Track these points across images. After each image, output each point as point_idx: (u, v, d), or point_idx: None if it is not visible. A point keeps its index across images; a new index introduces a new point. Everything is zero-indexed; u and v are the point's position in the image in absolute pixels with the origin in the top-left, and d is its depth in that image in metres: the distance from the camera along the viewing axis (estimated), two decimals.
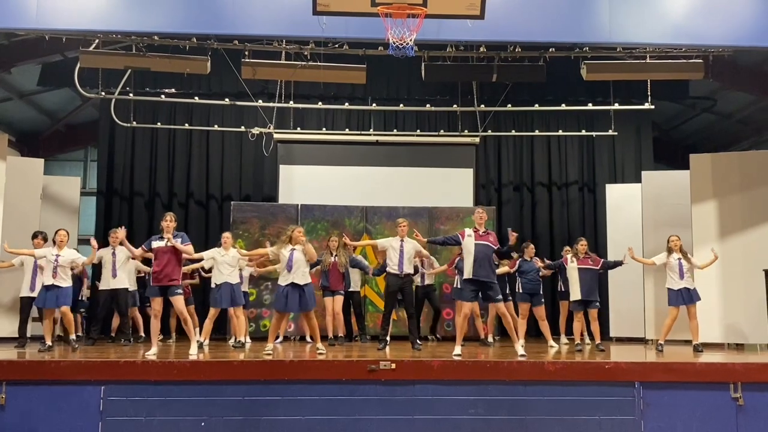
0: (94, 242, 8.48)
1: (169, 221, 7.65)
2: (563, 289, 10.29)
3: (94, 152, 13.95)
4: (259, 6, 8.14)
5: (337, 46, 10.19)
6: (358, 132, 12.83)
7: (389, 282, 8.70)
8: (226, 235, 9.00)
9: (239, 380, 6.57)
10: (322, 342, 8.13)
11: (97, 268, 10.03)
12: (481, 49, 10.36)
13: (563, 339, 10.44)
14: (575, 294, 9.01)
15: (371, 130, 12.90)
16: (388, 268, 8.71)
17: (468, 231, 7.90)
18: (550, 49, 10.31)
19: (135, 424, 6.37)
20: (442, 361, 6.91)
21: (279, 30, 8.54)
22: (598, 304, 9.12)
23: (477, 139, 12.53)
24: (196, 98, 12.26)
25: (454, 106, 12.32)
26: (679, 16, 8.34)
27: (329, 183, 12.50)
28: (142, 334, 10.31)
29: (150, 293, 7.65)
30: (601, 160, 13.39)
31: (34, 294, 8.83)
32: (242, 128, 12.24)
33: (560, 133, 12.91)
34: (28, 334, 9.09)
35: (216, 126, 12.58)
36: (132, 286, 10.00)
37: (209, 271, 9.15)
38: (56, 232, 8.52)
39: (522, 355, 7.37)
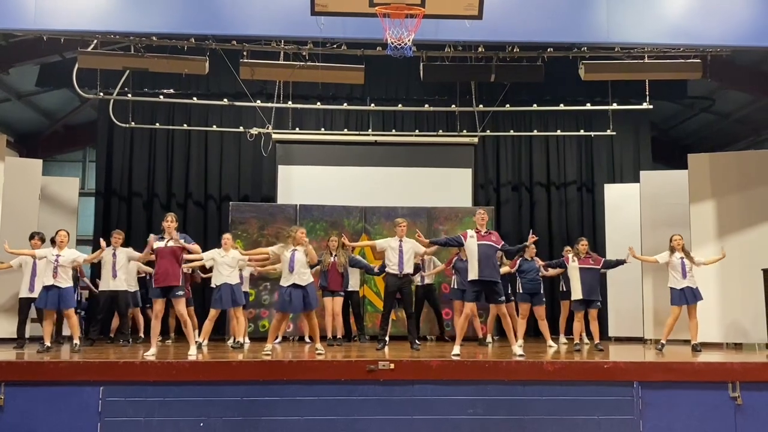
0: (104, 243, 8.56)
1: (170, 222, 7.63)
2: (565, 289, 10.30)
3: (93, 153, 13.94)
4: (257, 6, 8.13)
5: (335, 46, 10.20)
6: (357, 132, 12.83)
7: (388, 282, 8.70)
8: (227, 237, 9.01)
9: (238, 381, 6.57)
10: (321, 342, 8.13)
11: (96, 269, 10.02)
12: (480, 50, 10.37)
13: (562, 339, 10.45)
14: (576, 293, 9.02)
15: (370, 130, 12.90)
16: (387, 269, 8.71)
17: (470, 232, 7.91)
18: (549, 49, 10.32)
19: (134, 424, 6.36)
20: (440, 361, 6.92)
21: (277, 30, 8.53)
22: (599, 303, 9.13)
23: (475, 139, 12.55)
24: (195, 99, 12.26)
25: (453, 106, 12.32)
26: (677, 16, 8.34)
27: (328, 183, 12.50)
28: (142, 335, 10.31)
29: (152, 295, 7.64)
30: (600, 160, 13.40)
31: (34, 295, 8.83)
32: (241, 129, 12.24)
33: (559, 133, 12.93)
34: (27, 335, 9.08)
35: (214, 126, 12.58)
36: (133, 286, 10.00)
37: (209, 270, 9.16)
38: (57, 233, 8.52)
39: (520, 355, 7.37)
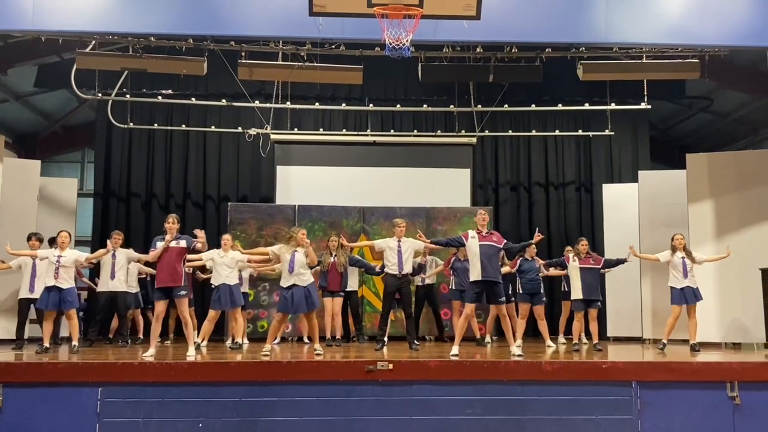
0: (110, 246, 8.64)
1: (171, 223, 7.61)
2: (567, 289, 10.30)
3: (91, 154, 13.95)
4: (256, 7, 8.13)
5: (333, 46, 10.22)
6: (355, 132, 12.83)
7: (387, 282, 8.70)
8: (226, 237, 9.01)
9: (237, 381, 6.57)
10: (319, 343, 8.13)
11: (96, 270, 10.03)
12: (478, 50, 10.39)
13: (561, 339, 10.45)
14: (576, 293, 9.02)
15: (368, 130, 12.91)
16: (386, 269, 8.71)
17: (471, 233, 7.91)
18: (547, 50, 10.34)
19: (132, 425, 6.36)
20: (439, 361, 6.92)
21: (275, 31, 8.53)
22: (599, 303, 9.14)
23: (474, 140, 12.55)
24: (193, 99, 12.27)
25: (451, 106, 12.33)
26: (675, 16, 8.34)
27: (326, 184, 12.48)
28: (141, 336, 10.31)
29: (155, 297, 7.63)
30: (598, 160, 13.40)
31: (33, 295, 8.84)
32: (239, 129, 12.24)
33: (557, 133, 12.93)
34: (26, 336, 9.08)
35: (213, 127, 12.57)
36: (134, 287, 10.01)
37: (210, 271, 9.17)
38: (58, 234, 8.52)
39: (519, 356, 7.37)
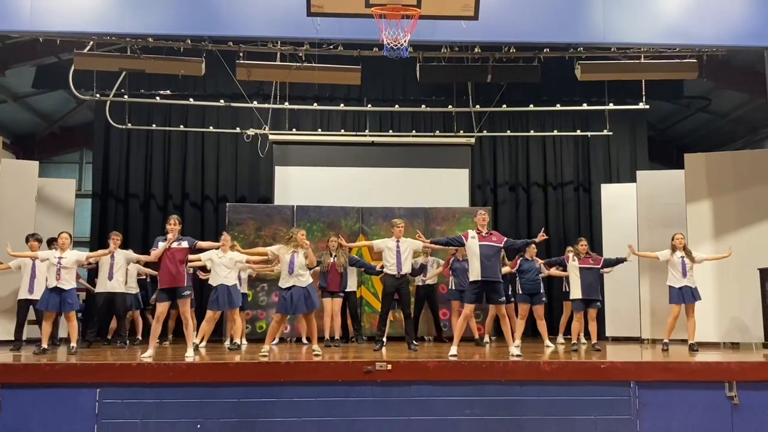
0: (112, 246, 8.69)
1: (173, 224, 7.61)
2: (568, 290, 10.29)
3: (90, 154, 13.94)
4: (254, 7, 8.12)
5: (331, 47, 10.22)
6: (354, 133, 12.83)
7: (386, 283, 8.70)
8: (225, 237, 9.00)
9: (235, 382, 6.56)
10: (318, 343, 8.13)
11: (94, 271, 10.02)
12: (476, 50, 10.40)
13: (560, 339, 10.46)
14: (576, 293, 9.02)
15: (367, 131, 12.91)
16: (385, 269, 8.70)
17: (471, 233, 7.90)
18: (545, 50, 10.35)
19: (130, 426, 6.35)
20: (438, 361, 6.92)
21: (273, 31, 8.53)
22: (598, 303, 9.14)
23: (472, 140, 12.56)
24: (191, 100, 12.27)
25: (450, 106, 12.34)
26: (673, 16, 8.35)
27: (325, 184, 12.47)
28: (140, 337, 10.30)
29: (158, 299, 7.63)
30: (596, 160, 13.41)
31: (33, 296, 8.83)
32: (237, 129, 12.24)
33: (555, 133, 12.94)
34: (24, 337, 9.06)
35: (211, 127, 12.57)
36: (133, 288, 10.00)
37: (210, 271, 9.17)
38: (59, 235, 8.50)
39: (518, 356, 7.36)
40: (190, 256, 8.14)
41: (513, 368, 6.80)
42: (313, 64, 10.33)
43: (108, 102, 11.69)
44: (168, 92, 12.32)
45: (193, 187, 13.01)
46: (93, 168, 13.24)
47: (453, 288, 10.01)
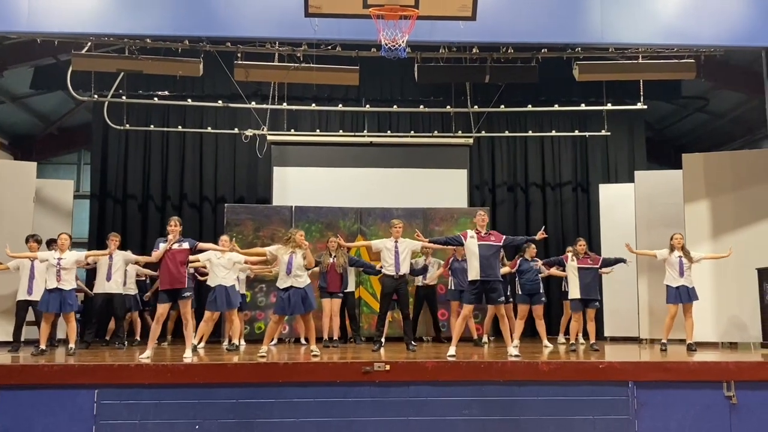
0: (112, 247, 8.75)
1: (173, 226, 7.61)
2: (567, 290, 10.30)
3: (88, 155, 13.92)
4: (251, 8, 8.12)
5: (329, 47, 10.22)
6: (352, 133, 12.82)
7: (384, 283, 8.69)
8: (224, 239, 9.00)
9: (233, 383, 6.56)
10: (316, 344, 8.12)
11: (92, 272, 10.02)
12: (474, 50, 10.40)
13: (560, 338, 10.46)
14: (574, 293, 9.02)
15: (365, 131, 12.90)
16: (383, 269, 8.70)
17: (470, 233, 7.90)
18: (543, 50, 10.35)
19: (129, 427, 6.35)
20: (436, 362, 6.92)
21: (271, 32, 8.53)
22: (597, 303, 9.15)
23: (471, 140, 12.56)
24: (189, 100, 12.26)
25: (448, 107, 12.34)
26: (671, 17, 8.35)
27: (323, 185, 12.46)
28: (138, 338, 10.29)
29: (159, 300, 7.63)
30: (595, 160, 13.43)
31: (32, 297, 8.82)
32: (236, 130, 12.24)
33: (553, 133, 12.95)
34: (22, 338, 9.05)
35: (209, 128, 12.57)
36: (132, 289, 9.99)
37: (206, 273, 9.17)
38: (58, 236, 8.50)
39: (516, 356, 7.37)
40: (191, 257, 8.15)
41: (511, 368, 6.80)
42: (311, 65, 10.33)
43: (106, 103, 11.67)
44: (166, 93, 12.31)
45: (192, 188, 13.01)
46: (91, 169, 13.21)
47: (453, 288, 10.00)
